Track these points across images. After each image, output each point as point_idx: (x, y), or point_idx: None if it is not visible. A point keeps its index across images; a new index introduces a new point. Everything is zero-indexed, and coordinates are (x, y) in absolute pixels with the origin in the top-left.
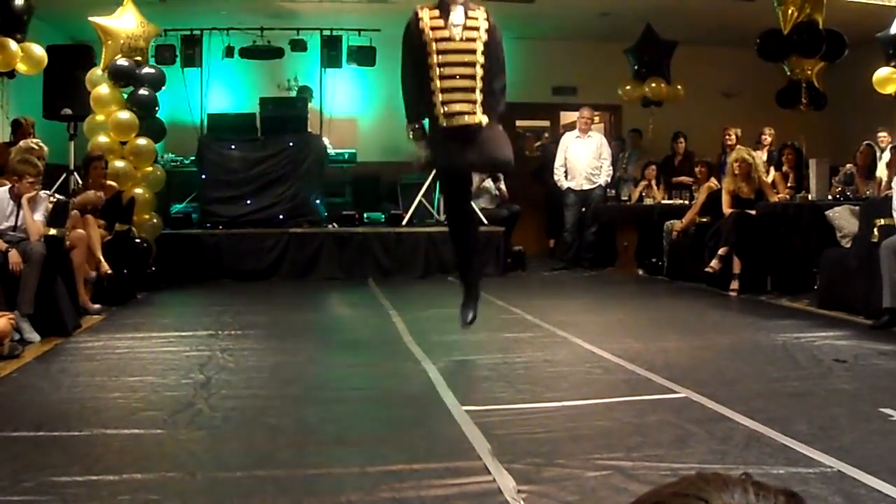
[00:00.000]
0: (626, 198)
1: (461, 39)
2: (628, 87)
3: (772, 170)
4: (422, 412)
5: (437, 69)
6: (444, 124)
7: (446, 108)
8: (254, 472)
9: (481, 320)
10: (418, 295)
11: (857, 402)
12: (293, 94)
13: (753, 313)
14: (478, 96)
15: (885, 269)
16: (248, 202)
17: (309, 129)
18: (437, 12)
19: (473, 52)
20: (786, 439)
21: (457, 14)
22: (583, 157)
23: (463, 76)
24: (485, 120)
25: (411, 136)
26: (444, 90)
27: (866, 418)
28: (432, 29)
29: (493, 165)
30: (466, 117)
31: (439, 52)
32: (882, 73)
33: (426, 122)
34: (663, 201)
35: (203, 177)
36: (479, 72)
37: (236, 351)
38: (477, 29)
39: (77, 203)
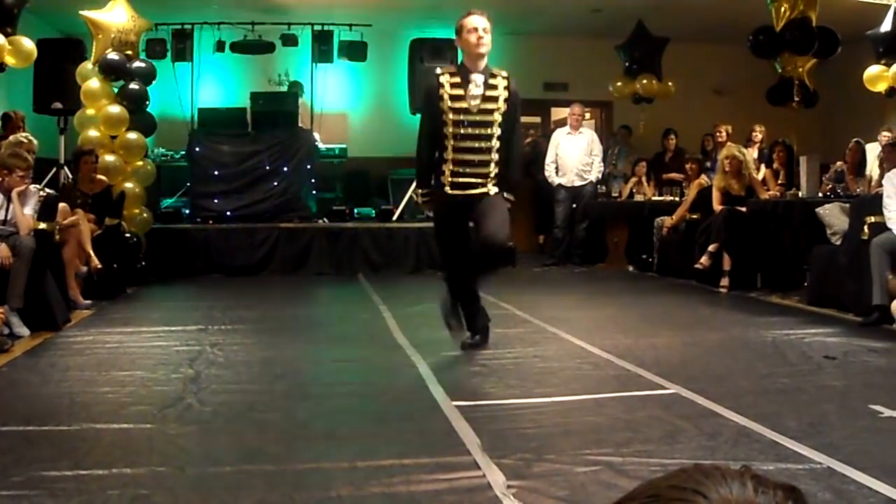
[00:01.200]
0: (616, 194)
1: (479, 111)
2: (619, 84)
3: (762, 167)
4: (411, 407)
5: (452, 140)
6: (451, 192)
7: (455, 179)
8: (243, 466)
9: None
10: (408, 290)
11: (847, 399)
12: (284, 88)
13: (743, 310)
14: (491, 170)
15: (874, 267)
16: (239, 197)
17: (300, 124)
18: (457, 79)
19: (491, 124)
20: (775, 435)
21: (476, 83)
22: (573, 154)
23: (478, 150)
24: (493, 191)
25: (419, 199)
26: (456, 162)
27: (856, 415)
28: (451, 98)
29: (485, 246)
30: (475, 189)
31: (455, 123)
32: (872, 70)
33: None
34: (654, 198)
35: (193, 171)
36: (496, 144)
37: (226, 346)
38: (496, 99)
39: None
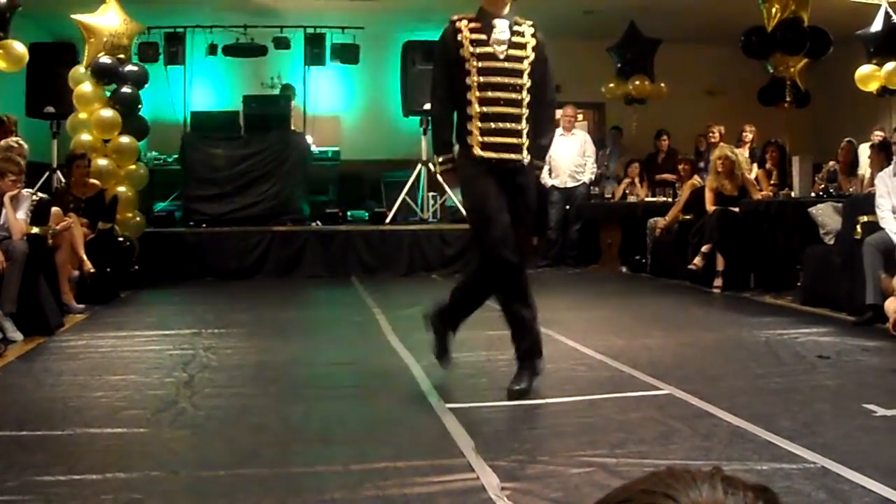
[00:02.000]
0: (609, 195)
1: (506, 59)
2: (612, 85)
3: (754, 167)
4: (405, 410)
5: (477, 92)
6: (481, 155)
7: (485, 139)
8: (237, 470)
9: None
10: (402, 293)
11: (841, 399)
12: (276, 91)
13: (737, 310)
14: (524, 128)
15: (868, 266)
16: (232, 200)
17: (292, 127)
18: (477, 24)
19: (520, 73)
20: (769, 435)
21: (501, 28)
22: (566, 155)
23: (507, 101)
24: (527, 158)
25: (439, 172)
26: (483, 116)
27: (850, 414)
28: (472, 43)
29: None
30: (508, 152)
31: (480, 72)
32: (864, 70)
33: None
34: (647, 199)
35: (186, 175)
36: (526, 98)
37: (220, 349)
38: (524, 46)
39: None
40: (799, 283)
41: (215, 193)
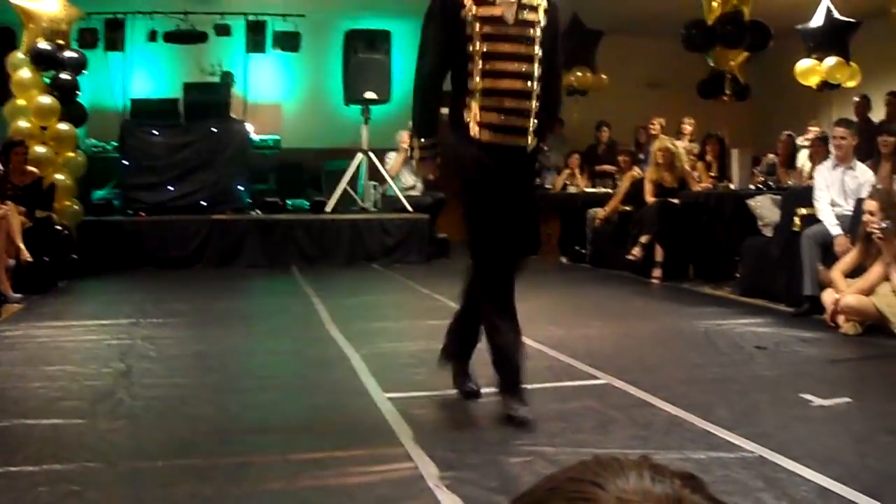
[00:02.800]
0: (549, 186)
1: (515, 22)
2: None
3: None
4: (344, 399)
5: (481, 62)
6: (482, 138)
7: (488, 119)
8: (175, 461)
9: (405, 308)
10: (342, 282)
11: (778, 389)
12: (217, 79)
13: (676, 300)
14: (533, 107)
15: (805, 258)
16: (171, 188)
17: (233, 115)
18: None
19: (532, 40)
20: (707, 425)
21: None
22: None
23: (516, 75)
24: (533, 144)
25: (417, 155)
26: (486, 92)
27: (787, 404)
28: (476, 4)
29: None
30: (512, 136)
31: (485, 38)
32: (804, 64)
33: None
34: (587, 190)
35: (125, 163)
36: (537, 71)
37: (158, 339)
38: (535, 9)
39: None
40: (737, 275)
41: (154, 181)
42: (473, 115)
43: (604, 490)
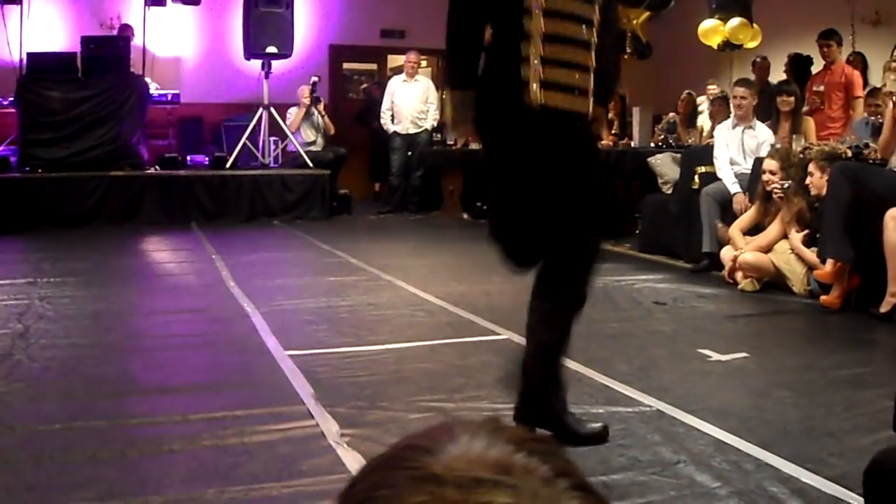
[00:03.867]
0: (451, 142)
1: None
2: None
3: None
4: (245, 358)
5: (540, 43)
6: (540, 96)
7: (550, 75)
8: (74, 423)
9: (306, 264)
10: (243, 239)
11: (676, 344)
12: (115, 32)
13: None
14: (593, 66)
15: (704, 215)
16: (70, 145)
17: (132, 70)
18: None
19: (591, 1)
20: (606, 379)
21: None
22: (409, 102)
23: (576, 42)
24: (590, 109)
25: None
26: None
27: (685, 359)
28: None
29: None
30: (574, 99)
31: (546, 13)
32: (707, 24)
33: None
34: None
35: (21, 119)
36: (595, 41)
37: (55, 299)
38: None
39: None
40: (637, 231)
41: (52, 137)
42: (529, 69)
43: (433, 457)
